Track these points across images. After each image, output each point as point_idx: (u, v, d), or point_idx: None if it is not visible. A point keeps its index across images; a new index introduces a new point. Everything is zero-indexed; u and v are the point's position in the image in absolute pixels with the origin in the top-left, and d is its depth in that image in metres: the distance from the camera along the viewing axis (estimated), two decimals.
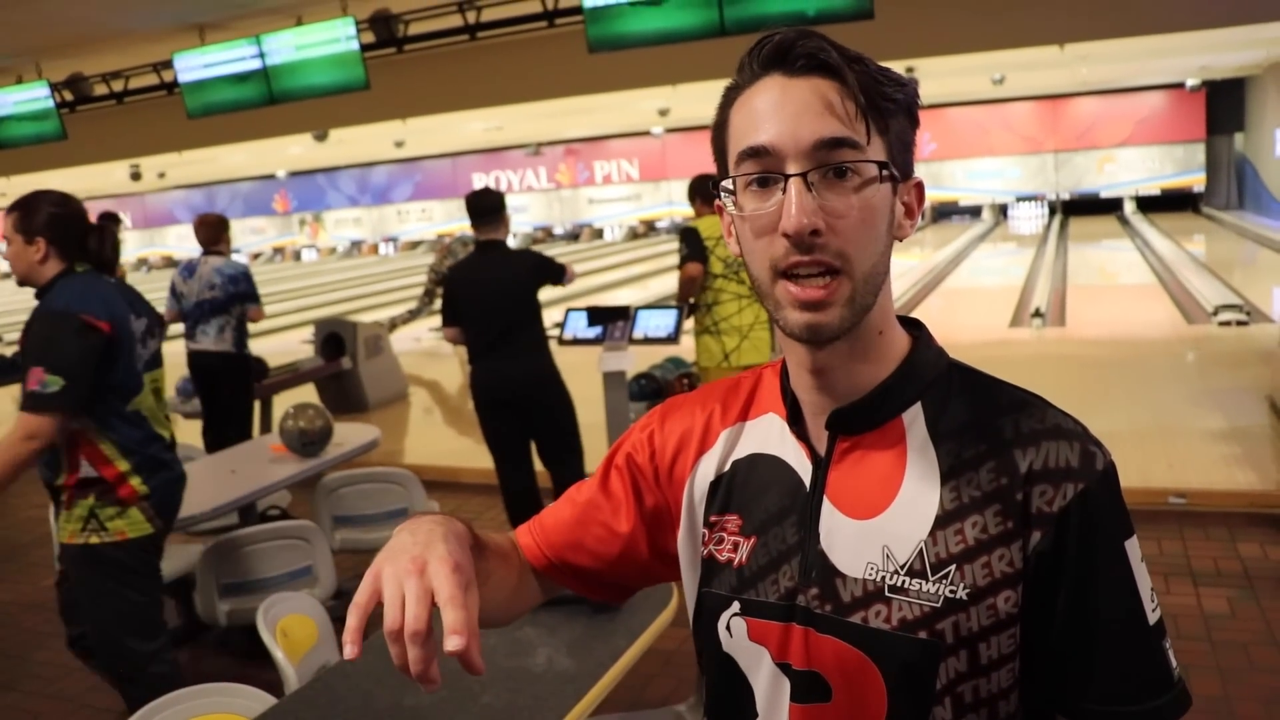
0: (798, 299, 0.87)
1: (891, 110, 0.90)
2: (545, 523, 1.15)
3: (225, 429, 5.58)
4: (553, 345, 4.48)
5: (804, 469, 0.98)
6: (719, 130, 0.95)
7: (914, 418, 0.94)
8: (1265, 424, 5.50)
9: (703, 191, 4.90)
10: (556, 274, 4.37)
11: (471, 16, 7.15)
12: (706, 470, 1.06)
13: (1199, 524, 4.36)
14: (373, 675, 2.06)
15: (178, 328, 5.64)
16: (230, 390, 5.59)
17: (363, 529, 3.93)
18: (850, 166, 0.87)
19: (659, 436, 1.11)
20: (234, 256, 5.76)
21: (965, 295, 12.37)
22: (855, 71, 0.87)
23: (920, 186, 0.96)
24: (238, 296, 5.42)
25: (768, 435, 1.03)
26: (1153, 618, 0.88)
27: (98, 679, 3.76)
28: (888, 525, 0.91)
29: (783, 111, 0.87)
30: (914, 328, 1.00)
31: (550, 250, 22.16)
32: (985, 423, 0.92)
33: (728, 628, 1.01)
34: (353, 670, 2.10)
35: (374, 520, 3.92)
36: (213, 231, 5.53)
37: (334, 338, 7.69)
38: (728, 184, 0.92)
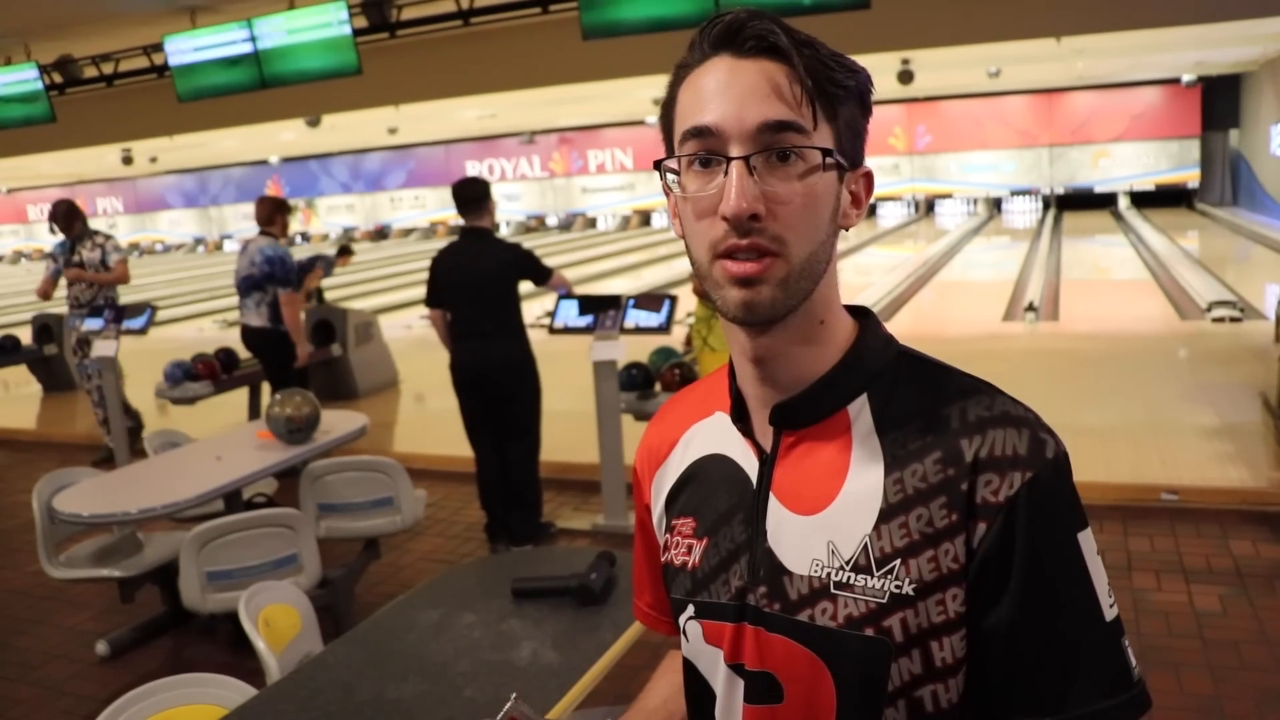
0: (732, 274, 0.86)
1: (841, 97, 0.88)
2: (646, 597, 1.18)
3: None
4: (543, 334, 4.55)
5: (751, 466, 0.97)
6: (666, 109, 0.94)
7: (860, 409, 0.91)
8: (1258, 421, 5.49)
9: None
10: (539, 274, 4.55)
11: (465, 2, 7.08)
12: (665, 478, 1.07)
13: (1191, 521, 4.35)
14: (354, 667, 2.03)
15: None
16: (273, 364, 5.79)
17: (349, 517, 3.90)
18: (794, 151, 0.85)
19: (638, 462, 1.14)
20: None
21: (958, 289, 12.35)
22: (805, 56, 0.86)
23: (869, 176, 0.94)
24: (270, 277, 5.58)
25: (717, 434, 1.02)
26: (1109, 614, 0.85)
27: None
28: (832, 520, 0.89)
29: (729, 93, 0.86)
30: (862, 315, 0.97)
31: (543, 239, 22.11)
32: (932, 411, 0.89)
33: (684, 632, 1.00)
34: (334, 662, 2.07)
35: (360, 509, 3.89)
36: (266, 211, 5.69)
37: (324, 324, 7.65)
38: (671, 163, 0.91)
